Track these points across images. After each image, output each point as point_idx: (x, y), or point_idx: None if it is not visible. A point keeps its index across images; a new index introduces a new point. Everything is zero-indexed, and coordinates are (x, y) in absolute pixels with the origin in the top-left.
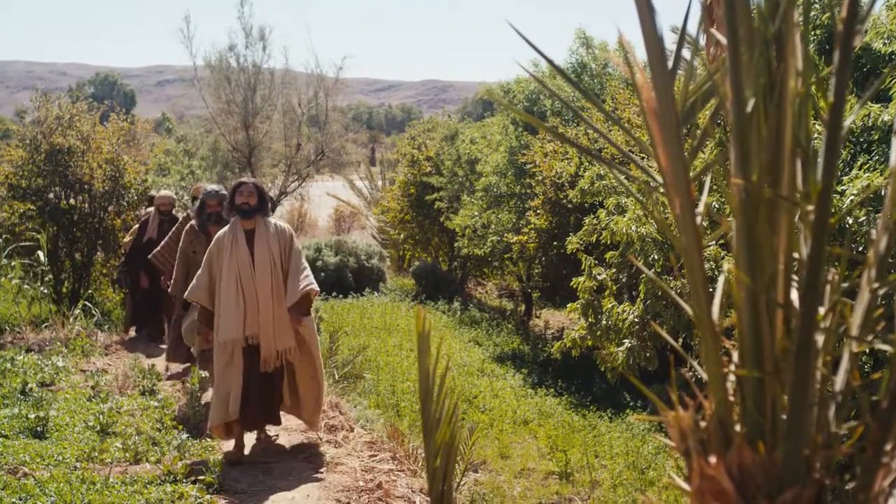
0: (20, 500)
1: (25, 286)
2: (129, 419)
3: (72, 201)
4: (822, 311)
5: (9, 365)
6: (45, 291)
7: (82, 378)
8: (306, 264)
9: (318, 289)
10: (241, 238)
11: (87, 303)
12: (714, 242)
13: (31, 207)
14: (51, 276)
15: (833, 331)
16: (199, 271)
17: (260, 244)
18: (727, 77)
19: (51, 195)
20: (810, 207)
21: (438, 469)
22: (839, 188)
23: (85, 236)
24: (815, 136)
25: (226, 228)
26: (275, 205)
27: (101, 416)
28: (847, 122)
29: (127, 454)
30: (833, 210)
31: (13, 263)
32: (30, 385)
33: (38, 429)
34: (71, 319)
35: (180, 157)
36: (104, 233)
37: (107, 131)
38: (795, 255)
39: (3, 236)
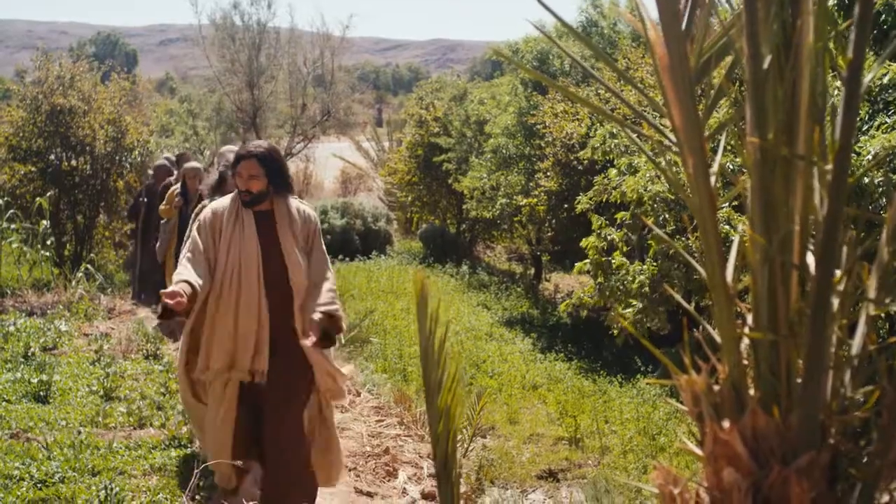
0: (24, 464)
1: (27, 249)
2: (133, 383)
3: (73, 163)
4: (838, 273)
5: (11, 329)
6: (47, 254)
7: (85, 342)
8: (332, 271)
9: (342, 315)
10: (248, 222)
11: (89, 266)
12: (728, 203)
13: (32, 169)
14: (52, 239)
15: (849, 293)
16: (186, 259)
17: (285, 236)
18: (743, 33)
19: (52, 157)
20: (828, 167)
21: (441, 435)
22: (857, 147)
23: (87, 198)
24: (835, 93)
25: (224, 201)
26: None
27: (104, 381)
28: (866, 80)
29: (131, 419)
30: (850, 170)
31: (14, 226)
32: (32, 349)
33: (42, 393)
34: (73, 283)
35: (184, 118)
36: (106, 195)
37: (108, 91)
38: (811, 215)
39: (4, 199)
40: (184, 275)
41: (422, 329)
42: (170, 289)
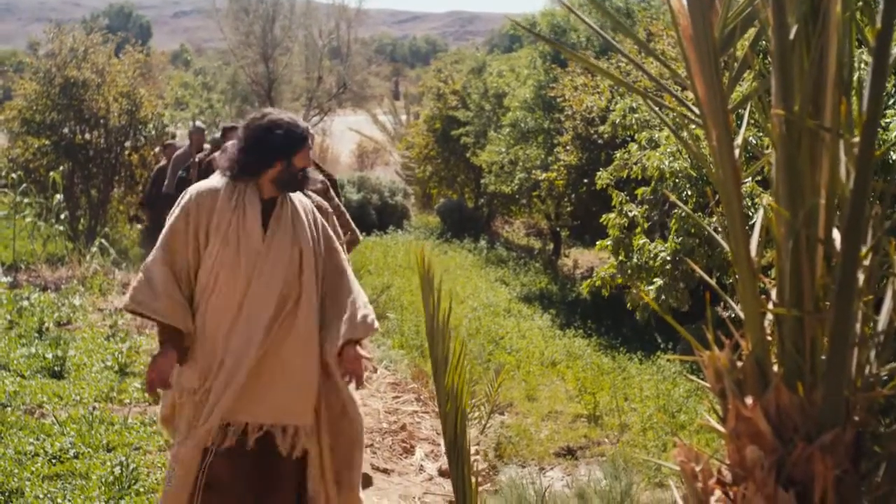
0: (38, 440)
1: (40, 224)
2: (148, 359)
3: (87, 136)
4: (864, 248)
5: (25, 304)
6: (61, 229)
7: (100, 317)
8: (353, 279)
9: (376, 325)
10: (253, 210)
11: (103, 240)
12: (751, 178)
13: (46, 143)
14: (66, 214)
15: (875, 268)
16: (154, 259)
17: (282, 233)
18: (768, 2)
19: (65, 130)
20: (854, 139)
21: (450, 414)
22: (883, 121)
23: (101, 172)
24: (861, 65)
25: (216, 183)
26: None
27: (119, 356)
28: (895, 51)
29: (146, 394)
30: (877, 143)
31: (27, 201)
32: (46, 324)
33: (56, 368)
34: (87, 257)
35: (198, 91)
36: (120, 168)
37: (122, 64)
38: (837, 189)
39: (17, 173)
40: (168, 316)
41: (427, 306)
42: (160, 362)
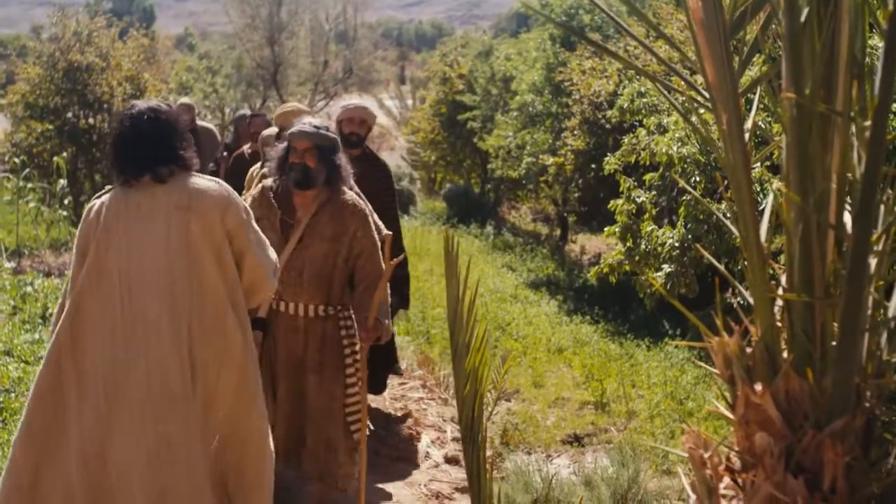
0: None
1: (44, 209)
2: None
3: (91, 121)
4: (875, 233)
5: (29, 289)
6: (65, 214)
7: None
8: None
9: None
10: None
11: None
12: (760, 163)
13: (49, 127)
14: (70, 199)
15: (887, 254)
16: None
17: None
18: None
19: (69, 114)
20: (866, 123)
21: (467, 397)
22: (895, 105)
23: (104, 157)
24: (872, 49)
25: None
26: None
27: None
28: None
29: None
30: (889, 127)
31: (31, 186)
32: (50, 310)
33: None
34: None
35: (203, 75)
36: None
37: (126, 48)
38: (849, 174)
39: (21, 157)
40: None
41: (450, 291)
42: None
